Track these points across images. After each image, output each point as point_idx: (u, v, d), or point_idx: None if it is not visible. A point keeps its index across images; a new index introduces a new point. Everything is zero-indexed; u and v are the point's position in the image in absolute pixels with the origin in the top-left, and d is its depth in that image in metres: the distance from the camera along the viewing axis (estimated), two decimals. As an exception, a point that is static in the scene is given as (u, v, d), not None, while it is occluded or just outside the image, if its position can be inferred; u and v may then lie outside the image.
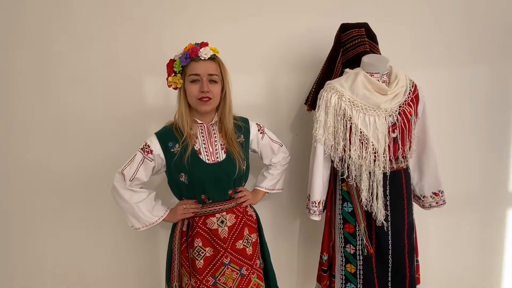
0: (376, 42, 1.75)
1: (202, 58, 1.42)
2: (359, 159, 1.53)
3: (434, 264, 2.37)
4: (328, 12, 2.02)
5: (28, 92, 1.94)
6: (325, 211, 1.74)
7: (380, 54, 1.74)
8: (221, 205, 1.52)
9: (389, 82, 1.57)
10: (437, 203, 1.72)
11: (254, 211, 1.69)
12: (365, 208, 1.57)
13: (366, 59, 1.56)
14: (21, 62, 1.92)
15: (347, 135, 1.53)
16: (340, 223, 1.64)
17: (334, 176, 1.67)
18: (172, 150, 1.47)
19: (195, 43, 1.47)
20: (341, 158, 1.57)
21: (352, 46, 1.70)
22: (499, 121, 2.28)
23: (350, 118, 1.52)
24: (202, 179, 1.47)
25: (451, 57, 2.17)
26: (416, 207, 1.74)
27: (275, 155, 1.72)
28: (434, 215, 2.28)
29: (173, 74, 1.47)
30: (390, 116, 1.53)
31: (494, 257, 2.43)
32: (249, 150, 1.64)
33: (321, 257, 1.76)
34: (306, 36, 2.04)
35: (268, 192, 1.74)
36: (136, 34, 1.95)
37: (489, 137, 2.29)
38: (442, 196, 1.71)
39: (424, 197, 1.73)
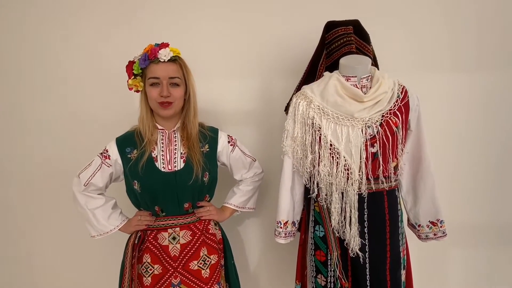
0: (368, 42, 1.52)
1: (162, 60, 1.33)
2: (328, 176, 1.31)
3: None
4: (322, 13, 1.81)
5: (21, 92, 2.01)
6: (300, 232, 1.54)
7: (372, 55, 1.51)
8: (174, 220, 1.40)
9: (371, 87, 1.33)
10: (435, 234, 1.42)
11: (220, 229, 1.54)
12: (338, 234, 1.34)
13: (343, 60, 1.35)
14: (11, 62, 2.00)
15: (316, 147, 1.32)
16: (311, 249, 1.43)
17: (308, 194, 1.46)
18: (129, 155, 1.39)
19: (155, 43, 1.39)
20: (310, 174, 1.36)
21: (337, 46, 1.49)
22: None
23: (320, 128, 1.31)
24: (154, 188, 1.36)
25: (466, 60, 1.85)
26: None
27: (247, 170, 1.57)
28: (459, 247, 1.96)
29: (133, 77, 1.40)
30: (369, 127, 1.29)
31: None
32: (218, 163, 1.51)
33: (295, 285, 1.55)
34: (301, 37, 1.87)
35: (238, 211, 1.58)
36: (124, 33, 1.93)
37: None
38: (441, 227, 1.41)
39: (419, 226, 1.44)
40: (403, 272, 1.40)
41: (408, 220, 1.50)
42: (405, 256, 1.43)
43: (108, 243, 1.73)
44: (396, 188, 1.39)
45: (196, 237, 1.41)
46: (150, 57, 1.32)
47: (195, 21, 1.91)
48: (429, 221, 1.42)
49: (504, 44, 1.84)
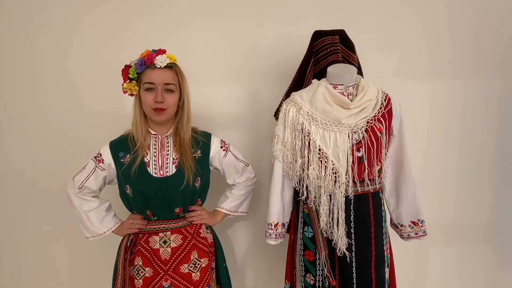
0: (353, 51, 1.59)
1: (158, 66, 1.36)
2: (317, 179, 1.37)
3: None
4: (307, 22, 1.89)
5: (11, 94, 1.99)
6: (289, 233, 1.59)
7: (357, 63, 1.58)
8: (165, 224, 1.42)
9: (356, 95, 1.40)
10: (416, 233, 1.50)
11: (212, 233, 1.57)
12: (326, 235, 1.40)
13: (330, 69, 1.41)
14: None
15: (305, 152, 1.38)
16: (300, 249, 1.48)
17: (297, 196, 1.52)
18: (122, 160, 1.41)
19: (152, 49, 1.41)
20: (299, 177, 1.42)
21: (324, 55, 1.55)
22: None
23: (309, 133, 1.37)
24: (146, 193, 1.38)
25: (448, 69, 1.96)
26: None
27: (240, 175, 1.61)
28: (438, 246, 2.06)
29: (128, 81, 1.42)
30: (355, 132, 1.36)
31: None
32: (210, 168, 1.54)
33: (284, 285, 1.60)
34: (288, 44, 1.94)
35: (230, 214, 1.61)
36: (112, 37, 1.95)
37: (501, 160, 2.02)
38: (422, 226, 1.49)
39: (401, 226, 1.52)
40: (386, 270, 1.48)
41: (391, 220, 1.57)
42: (389, 255, 1.51)
43: (101, 244, 1.74)
44: (380, 190, 1.46)
45: (187, 241, 1.44)
46: (146, 62, 1.34)
47: (186, 28, 1.94)
48: (411, 221, 1.50)
49: (479, 52, 1.96)
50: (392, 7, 1.94)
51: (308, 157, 1.38)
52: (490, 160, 2.03)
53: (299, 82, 1.64)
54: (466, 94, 1.98)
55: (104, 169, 1.42)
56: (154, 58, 1.33)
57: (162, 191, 1.38)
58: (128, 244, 1.42)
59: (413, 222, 1.50)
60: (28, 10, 1.93)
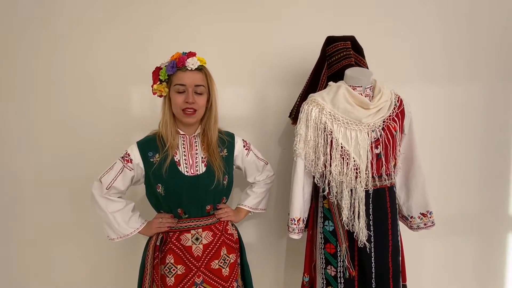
0: (363, 56, 1.70)
1: (189, 69, 1.40)
2: (339, 175, 1.46)
3: (429, 289, 2.26)
4: (317, 25, 1.99)
5: (14, 97, 1.97)
6: (307, 229, 1.67)
7: (367, 67, 1.70)
8: (197, 221, 1.46)
9: (372, 96, 1.51)
10: (425, 224, 1.63)
11: (236, 230, 1.62)
12: (347, 228, 1.49)
13: (348, 72, 1.51)
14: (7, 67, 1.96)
15: (328, 149, 1.47)
16: (321, 243, 1.57)
17: (316, 193, 1.60)
18: (152, 160, 1.43)
19: (183, 52, 1.45)
20: (321, 173, 1.50)
21: (338, 59, 1.66)
22: (498, 141, 2.20)
23: (331, 132, 1.46)
24: (178, 192, 1.42)
25: (445, 73, 2.12)
26: (404, 228, 1.67)
27: (260, 173, 1.67)
28: (429, 236, 2.20)
29: (159, 82, 1.44)
30: (373, 131, 1.47)
31: (494, 284, 2.30)
32: (233, 166, 1.60)
33: (302, 278, 1.67)
34: (295, 48, 2.02)
35: (251, 211, 1.68)
36: (122, 41, 1.97)
37: (488, 158, 2.21)
38: (430, 217, 1.62)
39: (411, 217, 1.64)
40: (399, 259, 1.59)
41: (400, 212, 1.69)
42: (400, 245, 1.62)
43: (113, 247, 1.74)
44: (394, 185, 1.58)
45: (216, 238, 1.48)
46: (178, 64, 1.38)
47: (198, 32, 1.98)
48: (420, 213, 1.62)
49: (472, 59, 2.13)
50: (404, 11, 2.06)
51: (330, 154, 1.47)
52: (477, 155, 2.21)
53: (313, 84, 1.73)
54: (466, 97, 2.13)
55: (132, 169, 1.44)
56: (186, 60, 1.38)
57: (194, 189, 1.42)
58: (158, 243, 1.45)
59: (422, 214, 1.62)
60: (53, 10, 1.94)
